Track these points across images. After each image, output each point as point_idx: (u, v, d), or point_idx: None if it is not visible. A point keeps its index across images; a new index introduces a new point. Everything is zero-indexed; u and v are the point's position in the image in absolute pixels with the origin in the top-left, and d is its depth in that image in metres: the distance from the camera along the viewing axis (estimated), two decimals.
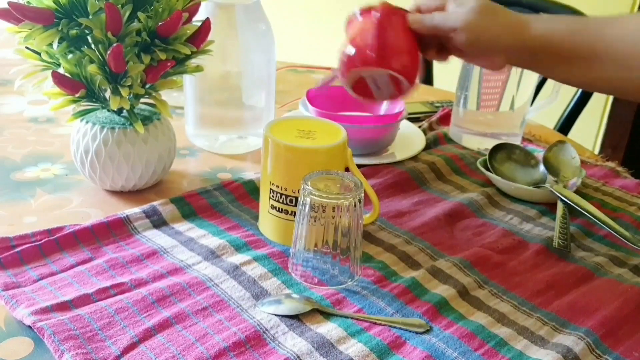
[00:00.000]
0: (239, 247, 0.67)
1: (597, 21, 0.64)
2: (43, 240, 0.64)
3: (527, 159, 0.86)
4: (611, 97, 2.07)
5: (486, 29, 0.64)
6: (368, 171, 0.84)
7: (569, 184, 0.81)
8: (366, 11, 0.68)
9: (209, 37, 0.74)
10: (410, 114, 1.04)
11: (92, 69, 0.67)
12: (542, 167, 0.84)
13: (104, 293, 0.58)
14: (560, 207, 0.76)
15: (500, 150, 0.86)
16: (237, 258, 0.65)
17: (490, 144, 0.89)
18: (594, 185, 0.87)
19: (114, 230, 0.68)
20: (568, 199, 0.76)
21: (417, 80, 0.67)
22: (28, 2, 0.66)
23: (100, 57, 0.68)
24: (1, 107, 1.01)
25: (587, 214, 0.74)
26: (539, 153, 0.88)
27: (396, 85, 0.69)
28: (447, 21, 0.65)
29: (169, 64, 0.71)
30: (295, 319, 0.57)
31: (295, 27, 2.20)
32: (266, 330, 0.55)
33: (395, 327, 0.57)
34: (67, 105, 0.70)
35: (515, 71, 0.90)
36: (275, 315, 0.57)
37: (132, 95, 0.71)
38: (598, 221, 0.73)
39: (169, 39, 0.70)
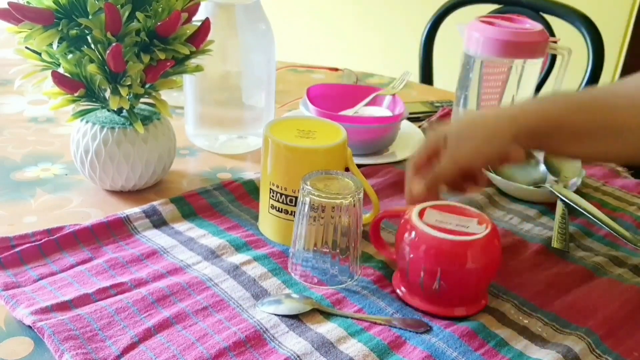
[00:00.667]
0: (239, 247, 0.67)
1: (605, 90, 0.60)
2: (43, 240, 0.64)
3: (528, 159, 0.86)
4: None
5: (476, 155, 0.62)
6: (368, 171, 0.84)
7: (569, 184, 0.81)
8: None
9: (209, 37, 0.74)
10: (410, 113, 1.04)
11: (91, 68, 0.67)
12: (542, 167, 0.84)
13: (104, 293, 0.58)
14: (559, 207, 0.76)
15: None
16: (237, 258, 0.65)
17: None
18: (594, 185, 0.87)
19: (114, 230, 0.68)
20: (568, 199, 0.76)
21: None
22: (28, 2, 0.66)
23: (100, 57, 0.68)
24: (1, 107, 1.01)
25: (587, 214, 0.74)
26: (542, 153, 0.88)
27: None
28: (441, 172, 0.63)
29: (168, 63, 0.71)
30: (295, 318, 0.57)
31: (295, 27, 2.20)
32: (266, 330, 0.55)
33: (395, 327, 0.57)
34: (67, 105, 0.70)
35: (515, 71, 0.90)
36: (275, 315, 0.57)
37: (131, 95, 0.71)
38: (598, 221, 0.73)
39: (168, 39, 0.70)
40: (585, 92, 0.62)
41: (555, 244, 0.69)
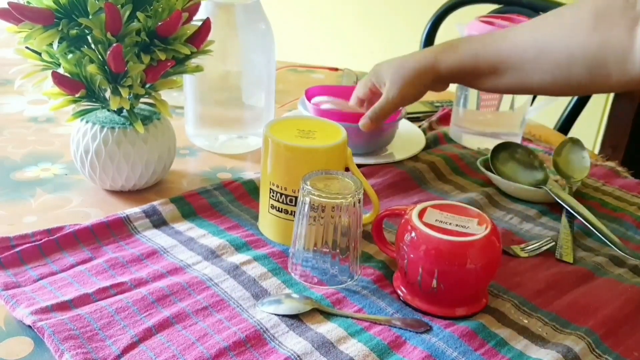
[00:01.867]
0: (239, 247, 0.67)
1: (494, 38, 0.75)
2: (43, 240, 0.64)
3: (530, 159, 0.86)
4: (611, 97, 2.07)
5: (409, 90, 0.80)
6: (368, 171, 0.84)
7: (573, 187, 0.81)
8: None
9: (209, 37, 0.74)
10: (410, 113, 1.04)
11: (92, 69, 0.67)
12: (545, 167, 0.84)
13: (104, 293, 0.58)
14: (564, 218, 0.76)
15: (503, 149, 0.86)
16: (237, 258, 0.65)
17: (490, 143, 0.89)
18: (594, 185, 0.87)
19: (114, 230, 0.68)
20: (564, 202, 0.76)
21: None
22: (28, 2, 0.66)
23: (100, 57, 0.68)
24: (1, 107, 1.01)
25: (581, 218, 0.73)
26: (542, 153, 0.88)
27: None
28: (383, 107, 0.81)
29: (168, 64, 0.71)
30: (295, 318, 0.57)
31: (295, 27, 2.20)
32: (266, 329, 0.55)
33: (395, 327, 0.57)
34: (67, 105, 0.70)
35: None
36: (275, 314, 0.57)
37: (132, 95, 0.71)
38: (591, 227, 0.72)
39: (168, 39, 0.70)
40: (480, 40, 0.77)
41: (559, 254, 0.69)
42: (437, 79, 0.79)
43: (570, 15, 0.69)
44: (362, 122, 0.82)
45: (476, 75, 0.76)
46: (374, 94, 0.85)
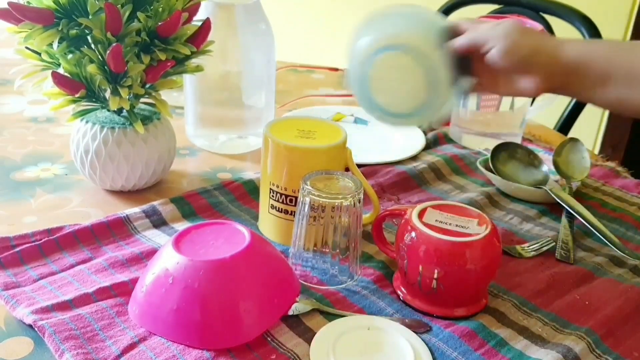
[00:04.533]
0: None
1: (633, 45, 0.65)
2: (43, 240, 0.64)
3: (531, 159, 0.86)
4: None
5: (522, 46, 0.64)
6: (368, 171, 0.84)
7: (572, 185, 0.81)
8: None
9: (209, 37, 0.74)
10: None
11: (92, 69, 0.67)
12: (545, 167, 0.84)
13: (104, 293, 0.58)
14: (564, 218, 0.76)
15: (503, 149, 0.86)
16: None
17: (490, 143, 0.89)
18: (594, 185, 0.87)
19: (114, 230, 0.68)
20: (564, 202, 0.76)
21: None
22: (28, 2, 0.66)
23: (100, 57, 0.68)
24: (1, 107, 1.01)
25: (581, 219, 0.73)
26: (542, 153, 0.88)
27: None
28: (485, 37, 0.65)
29: (168, 64, 0.71)
30: (295, 318, 0.57)
31: (295, 27, 2.20)
32: (266, 329, 0.55)
33: None
34: (67, 105, 0.70)
35: None
36: None
37: (131, 95, 0.71)
38: (591, 227, 0.72)
39: (168, 39, 0.70)
40: (619, 43, 0.67)
41: (559, 255, 0.69)
42: (552, 62, 0.64)
43: None
44: (456, 40, 0.66)
45: (598, 79, 0.64)
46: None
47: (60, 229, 0.67)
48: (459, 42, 0.65)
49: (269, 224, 0.69)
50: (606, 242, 0.70)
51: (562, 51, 0.64)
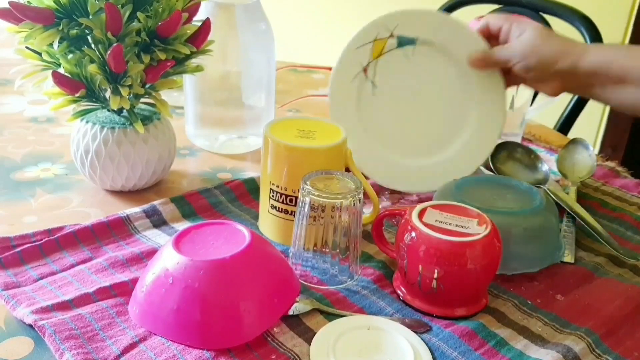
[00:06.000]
0: None
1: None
2: (43, 240, 0.64)
3: (531, 159, 0.85)
4: None
5: (544, 55, 0.70)
6: None
7: (573, 186, 0.81)
8: None
9: (209, 37, 0.74)
10: None
11: (92, 68, 0.67)
12: (545, 167, 0.84)
13: (104, 293, 0.58)
14: (565, 217, 0.76)
15: (503, 149, 0.86)
16: None
17: None
18: (594, 185, 0.87)
19: (114, 230, 0.68)
20: (562, 202, 0.76)
21: None
22: (28, 2, 0.66)
23: (100, 57, 0.68)
24: (1, 107, 1.01)
25: (579, 219, 0.73)
26: (543, 153, 0.88)
27: None
28: (509, 54, 0.72)
29: (168, 63, 0.71)
30: (295, 318, 0.57)
31: (295, 27, 2.20)
32: (266, 329, 0.55)
33: None
34: (67, 105, 0.70)
35: None
36: None
37: (132, 95, 0.71)
38: (588, 227, 0.72)
39: (169, 39, 0.70)
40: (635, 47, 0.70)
41: (562, 256, 0.69)
42: (573, 67, 0.69)
43: None
44: (474, 56, 0.74)
45: (617, 79, 0.69)
46: (494, 36, 0.75)
47: (60, 229, 0.67)
48: (483, 62, 0.74)
49: (269, 224, 0.69)
50: (602, 241, 0.70)
51: (584, 59, 0.69)
